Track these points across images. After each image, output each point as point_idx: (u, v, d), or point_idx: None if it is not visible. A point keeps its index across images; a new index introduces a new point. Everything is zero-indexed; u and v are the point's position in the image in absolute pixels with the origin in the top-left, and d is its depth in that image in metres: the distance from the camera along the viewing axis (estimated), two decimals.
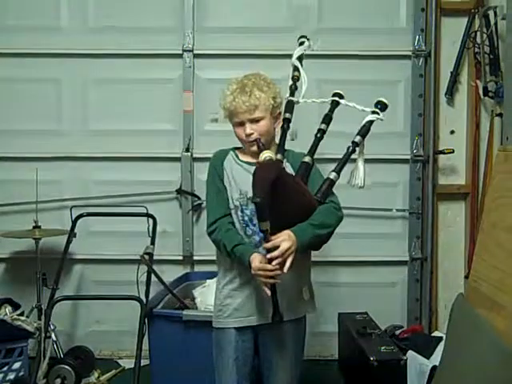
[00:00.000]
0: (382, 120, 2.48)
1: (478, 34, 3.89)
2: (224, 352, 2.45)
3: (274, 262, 2.21)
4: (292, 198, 2.29)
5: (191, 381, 3.09)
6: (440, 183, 4.07)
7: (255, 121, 2.39)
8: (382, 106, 2.49)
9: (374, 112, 2.48)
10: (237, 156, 2.48)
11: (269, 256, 2.22)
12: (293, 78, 2.65)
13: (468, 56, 4.01)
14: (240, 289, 2.42)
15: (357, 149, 2.47)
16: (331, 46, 3.97)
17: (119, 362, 3.97)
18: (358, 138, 2.46)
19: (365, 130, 2.47)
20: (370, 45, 4.00)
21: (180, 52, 4.04)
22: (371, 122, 2.47)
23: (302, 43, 2.82)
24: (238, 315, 2.43)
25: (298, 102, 2.57)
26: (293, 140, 2.60)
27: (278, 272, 2.22)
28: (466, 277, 3.70)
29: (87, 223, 3.83)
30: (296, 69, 2.67)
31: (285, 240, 2.22)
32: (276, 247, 2.21)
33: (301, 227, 2.29)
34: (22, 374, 3.49)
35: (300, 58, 2.69)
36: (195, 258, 4.11)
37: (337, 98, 2.56)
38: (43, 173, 3.88)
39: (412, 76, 4.06)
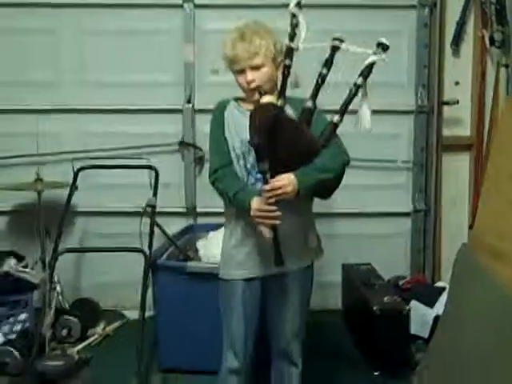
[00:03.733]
0: (383, 61, 2.42)
1: None
2: (231, 303, 2.46)
3: (269, 201, 2.20)
4: (293, 140, 2.26)
5: (196, 331, 3.12)
6: (444, 135, 4.04)
7: (256, 68, 2.35)
8: (383, 47, 2.43)
9: (375, 53, 2.43)
10: (238, 105, 2.46)
11: (266, 195, 2.20)
12: (291, 25, 2.58)
13: (474, 5, 3.93)
14: (247, 240, 2.41)
15: (360, 91, 2.42)
16: None
17: (124, 313, 3.99)
18: (359, 80, 2.40)
19: (367, 72, 2.41)
20: None
21: (180, 2, 3.97)
22: (372, 63, 2.42)
23: None
24: (245, 266, 2.42)
25: (297, 49, 2.51)
26: (297, 87, 2.55)
27: (277, 213, 2.21)
28: (470, 227, 3.70)
29: (89, 176, 3.79)
30: (294, 15, 2.60)
31: (283, 182, 2.21)
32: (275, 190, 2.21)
33: (302, 171, 2.27)
34: (27, 325, 3.51)
35: (299, 4, 2.61)
36: (198, 210, 4.11)
37: (337, 43, 2.51)
38: (43, 125, 3.86)
39: (417, 26, 4.00)
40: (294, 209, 2.32)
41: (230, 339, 2.50)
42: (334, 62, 2.45)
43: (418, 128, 4.05)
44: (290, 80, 2.48)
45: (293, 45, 2.50)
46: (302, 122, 2.36)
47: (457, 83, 4.02)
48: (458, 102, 3.92)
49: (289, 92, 2.46)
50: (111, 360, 3.27)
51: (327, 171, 2.31)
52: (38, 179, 3.72)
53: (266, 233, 2.25)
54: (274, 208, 2.21)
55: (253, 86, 2.35)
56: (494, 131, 3.57)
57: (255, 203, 2.26)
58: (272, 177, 2.21)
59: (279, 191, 2.21)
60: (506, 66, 3.68)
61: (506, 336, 2.27)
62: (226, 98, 2.51)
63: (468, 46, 3.99)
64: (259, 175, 2.32)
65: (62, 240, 3.55)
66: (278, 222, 2.23)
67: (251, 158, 2.36)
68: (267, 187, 2.20)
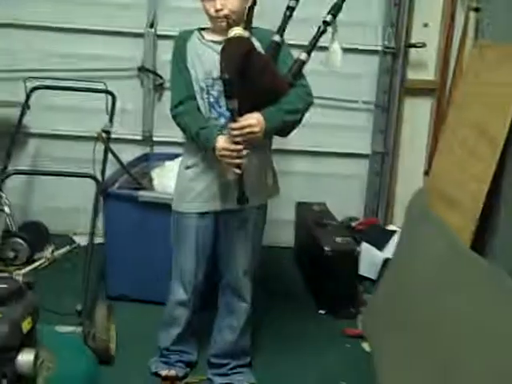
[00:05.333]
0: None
1: None
2: (184, 236, 2.45)
3: (235, 139, 2.17)
4: (262, 77, 2.22)
5: (145, 261, 3.09)
6: (409, 77, 3.99)
7: None
8: None
9: None
10: (202, 36, 2.37)
11: (233, 134, 2.16)
12: None
13: None
14: (204, 173, 2.38)
15: (328, 29, 2.36)
16: None
17: (74, 238, 3.94)
18: (329, 17, 2.36)
19: (336, 9, 2.36)
20: None
21: None
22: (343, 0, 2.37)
23: None
24: (200, 200, 2.40)
25: None
26: None
27: (243, 152, 2.18)
28: (426, 173, 3.71)
29: (43, 97, 3.64)
30: None
31: (252, 121, 2.18)
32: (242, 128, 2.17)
33: (270, 111, 2.24)
34: None
35: None
36: (155, 138, 4.03)
37: None
38: None
39: None
40: (255, 146, 2.28)
41: (179, 271, 2.51)
42: None
43: (382, 69, 3.99)
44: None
45: None
46: (270, 58, 2.30)
47: (425, 25, 3.94)
48: (425, 45, 3.86)
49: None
50: (57, 285, 3.22)
51: (293, 112, 2.30)
52: None
53: (231, 171, 2.22)
54: (240, 147, 2.18)
55: (222, 14, 2.26)
56: (458, 77, 3.54)
57: (221, 142, 2.22)
58: (239, 115, 2.16)
59: (247, 130, 2.17)
60: (476, 10, 3.61)
61: (452, 280, 2.32)
62: (189, 28, 2.42)
63: None
64: (222, 109, 2.30)
65: (13, 162, 3.46)
66: (243, 161, 2.20)
67: (215, 92, 2.31)
68: (235, 126, 2.16)
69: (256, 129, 2.19)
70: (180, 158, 2.59)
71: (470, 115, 2.84)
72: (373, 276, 3.41)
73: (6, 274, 3.09)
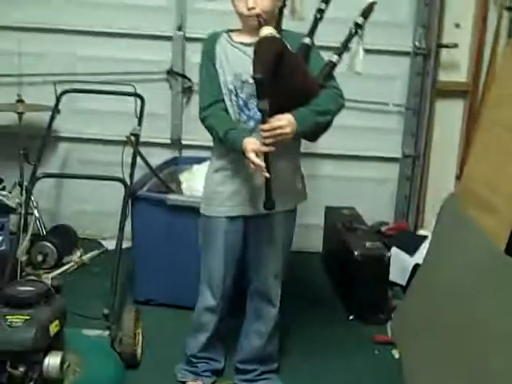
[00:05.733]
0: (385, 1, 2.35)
1: None
2: (213, 240, 2.43)
3: (266, 141, 2.13)
4: (294, 78, 2.19)
5: (173, 265, 3.08)
6: (440, 79, 3.93)
7: None
8: None
9: None
10: (230, 37, 2.35)
11: (264, 135, 2.13)
12: None
13: None
14: (233, 176, 2.36)
15: (359, 31, 2.33)
16: None
17: (102, 242, 3.96)
18: (360, 20, 2.34)
19: (368, 12, 2.33)
20: None
21: None
22: (374, 2, 2.34)
23: None
24: (229, 204, 2.38)
25: None
26: (300, 19, 2.45)
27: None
28: (458, 178, 3.65)
29: (72, 100, 3.69)
30: None
31: (283, 122, 2.14)
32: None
33: (302, 112, 2.21)
34: (3, 248, 3.45)
35: None
36: (184, 142, 4.03)
37: None
38: (26, 44, 3.72)
39: None
40: (285, 150, 2.26)
41: (207, 276, 2.49)
42: None
43: (413, 71, 3.94)
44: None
45: None
46: (301, 58, 2.29)
47: (457, 25, 3.88)
48: (457, 46, 3.80)
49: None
50: (85, 289, 3.24)
51: (325, 114, 2.26)
52: (20, 101, 3.61)
53: (259, 174, 2.19)
54: (272, 149, 2.14)
55: (254, 12, 2.24)
56: (491, 78, 3.47)
57: (251, 144, 2.18)
58: (270, 117, 2.13)
59: (278, 131, 2.14)
60: (509, 9, 3.55)
61: (485, 285, 2.26)
62: (217, 30, 2.41)
63: None
64: (251, 112, 2.28)
65: (42, 165, 3.47)
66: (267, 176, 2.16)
67: (243, 94, 2.29)
68: (266, 127, 2.13)
69: (287, 130, 2.15)
70: (208, 162, 2.58)
71: (504, 116, 2.78)
72: (403, 282, 3.36)
73: (34, 278, 3.14)
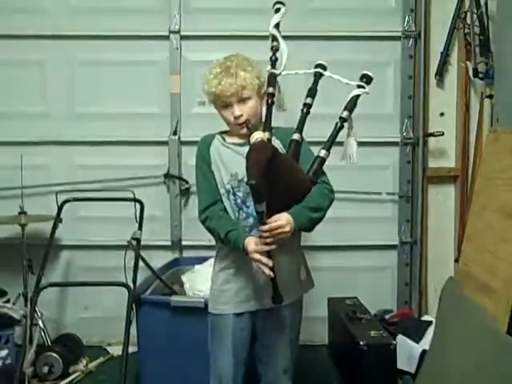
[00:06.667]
0: (367, 94, 2.42)
1: (468, 14, 3.83)
2: (222, 338, 2.44)
3: (267, 241, 2.18)
4: (286, 178, 2.25)
5: (180, 367, 3.06)
6: (430, 166, 4.03)
7: (243, 102, 2.34)
8: (367, 80, 2.43)
9: (359, 86, 2.43)
10: (223, 139, 2.44)
11: (264, 236, 2.18)
12: (272, 49, 2.56)
13: (458, 37, 3.95)
14: (238, 274, 2.40)
15: (345, 124, 2.41)
16: (320, 27, 3.93)
17: (108, 349, 3.94)
18: (345, 113, 2.39)
19: (351, 105, 2.40)
20: (359, 25, 3.95)
21: (167, 34, 3.98)
22: (357, 96, 2.42)
23: (277, 10, 2.60)
24: (236, 300, 2.41)
25: (279, 74, 2.50)
26: (284, 110, 2.52)
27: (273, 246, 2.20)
28: (456, 260, 3.68)
29: (74, 209, 3.78)
30: (274, 38, 2.56)
31: (282, 222, 2.20)
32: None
33: (298, 210, 2.26)
34: (8, 361, 3.44)
35: (277, 26, 2.59)
36: (184, 243, 4.07)
37: (320, 70, 2.50)
38: (28, 158, 3.81)
39: (402, 57, 4.01)
40: (287, 245, 2.31)
41: (218, 375, 2.47)
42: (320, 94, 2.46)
43: (403, 160, 4.05)
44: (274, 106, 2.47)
45: (275, 71, 2.50)
46: (292, 157, 2.35)
47: (441, 114, 4.02)
48: (443, 134, 3.92)
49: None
50: None
51: (319, 210, 2.32)
52: (22, 212, 3.68)
53: (266, 271, 2.22)
54: (272, 247, 2.20)
55: (241, 120, 2.34)
56: (478, 163, 3.58)
57: (252, 244, 2.24)
58: (267, 215, 2.19)
59: (278, 231, 2.19)
60: (490, 97, 3.69)
61: (491, 370, 2.26)
62: (211, 133, 2.50)
63: (452, 78, 4.00)
64: (250, 209, 2.34)
65: (46, 274, 3.52)
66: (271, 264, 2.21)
67: (241, 193, 2.36)
68: (265, 228, 2.18)
69: (287, 228, 2.20)
70: (209, 261, 2.63)
71: (494, 200, 2.86)
72: (412, 369, 3.32)
73: None
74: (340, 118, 2.41)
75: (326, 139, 2.41)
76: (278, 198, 2.22)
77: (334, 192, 2.40)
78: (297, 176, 2.31)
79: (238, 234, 2.30)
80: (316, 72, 2.50)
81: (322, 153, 2.36)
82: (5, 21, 3.96)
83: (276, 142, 2.39)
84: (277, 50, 2.53)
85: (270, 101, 2.45)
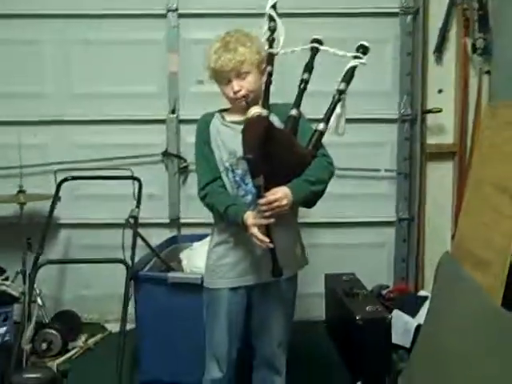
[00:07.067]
0: (364, 64, 2.41)
1: None
2: (217, 312, 2.46)
3: (265, 214, 2.19)
4: (284, 152, 2.26)
5: (178, 343, 3.08)
6: (428, 142, 4.02)
7: (242, 77, 2.35)
8: (363, 50, 2.42)
9: (355, 57, 2.41)
10: (222, 117, 2.45)
11: (262, 209, 2.19)
12: (269, 29, 2.56)
13: (457, 13, 3.92)
14: (234, 249, 2.41)
15: (343, 96, 2.40)
16: (317, 4, 3.92)
17: (106, 325, 3.96)
18: (342, 85, 2.38)
19: (348, 77, 2.40)
20: (356, 2, 3.93)
21: (164, 12, 3.96)
22: (354, 67, 2.41)
23: None
24: (231, 275, 2.42)
25: (277, 53, 2.51)
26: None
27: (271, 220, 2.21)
28: (453, 236, 3.69)
29: (72, 187, 3.78)
30: (272, 19, 2.57)
31: (279, 195, 2.20)
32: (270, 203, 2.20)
33: (296, 183, 2.27)
34: (7, 339, 3.47)
35: (274, 7, 2.59)
36: (182, 221, 4.09)
37: (316, 45, 2.49)
38: (26, 137, 3.85)
39: (400, 34, 3.99)
40: (283, 219, 2.31)
41: (213, 349, 2.50)
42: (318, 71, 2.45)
43: (401, 136, 4.04)
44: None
45: (272, 50, 2.50)
46: (290, 132, 2.36)
47: (440, 91, 4.00)
48: (441, 111, 3.91)
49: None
50: (91, 373, 3.24)
51: (318, 183, 2.32)
52: (21, 191, 3.69)
53: (266, 244, 2.23)
54: (271, 221, 2.21)
55: (240, 94, 2.35)
56: (476, 139, 3.57)
57: (251, 218, 2.25)
58: (266, 190, 2.19)
59: (275, 204, 2.20)
60: (489, 73, 3.68)
61: (487, 343, 2.27)
62: (209, 111, 2.51)
63: (451, 54, 3.98)
64: (249, 187, 2.34)
65: (45, 252, 3.52)
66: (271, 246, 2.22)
67: (239, 171, 2.37)
68: (263, 201, 2.19)
69: (284, 202, 2.20)
70: (207, 239, 2.63)
71: (490, 174, 2.86)
72: (407, 344, 3.33)
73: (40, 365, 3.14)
74: (337, 90, 2.41)
75: (322, 116, 2.40)
76: (277, 173, 2.22)
77: (334, 165, 2.39)
78: (295, 150, 2.31)
79: (237, 208, 2.31)
80: (312, 47, 2.50)
81: (321, 126, 2.37)
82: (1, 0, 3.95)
83: (274, 119, 2.39)
84: (274, 29, 2.54)
85: (267, 79, 2.46)
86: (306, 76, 2.47)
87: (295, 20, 2.89)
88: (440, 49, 3.95)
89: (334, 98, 2.42)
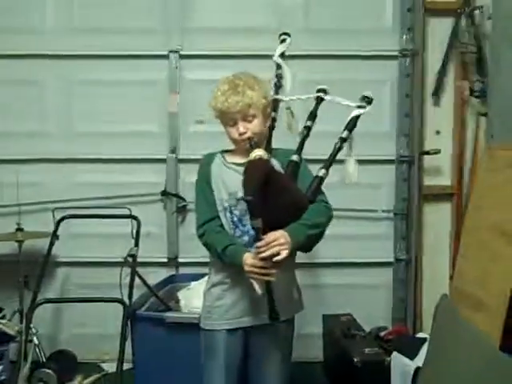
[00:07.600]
0: (368, 113, 2.44)
1: (465, 33, 3.87)
2: (214, 354, 2.44)
3: (262, 255, 2.18)
4: (283, 196, 2.26)
5: (175, 383, 3.05)
6: (425, 184, 4.05)
7: (248, 119, 2.38)
8: (367, 100, 2.45)
9: (359, 107, 2.45)
10: (224, 158, 2.48)
11: (260, 251, 2.19)
12: (276, 76, 2.63)
13: (455, 56, 3.99)
14: (231, 290, 2.41)
15: (344, 144, 2.42)
16: (317, 47, 3.98)
17: (103, 365, 3.93)
18: (345, 133, 2.40)
19: (351, 125, 2.42)
20: (356, 45, 3.99)
21: (166, 53, 4.02)
22: (357, 116, 2.43)
23: (283, 40, 2.75)
24: (228, 317, 2.41)
25: (282, 100, 2.55)
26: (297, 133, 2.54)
27: (273, 271, 2.20)
28: (451, 278, 3.69)
29: (70, 225, 3.78)
30: (279, 66, 2.64)
31: (278, 236, 2.19)
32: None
33: (294, 227, 2.26)
34: (3, 378, 3.45)
35: (282, 55, 2.66)
36: (180, 260, 4.09)
37: (321, 94, 2.53)
38: (26, 175, 3.87)
39: (399, 76, 4.05)
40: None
41: None
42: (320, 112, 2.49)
43: (399, 177, 4.07)
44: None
45: (278, 96, 2.55)
46: (290, 177, 2.37)
47: (438, 132, 4.05)
48: (439, 152, 3.94)
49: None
50: None
51: (316, 227, 2.32)
52: (19, 229, 3.70)
53: (259, 288, 2.23)
54: (268, 264, 2.20)
55: (245, 136, 2.37)
56: (473, 180, 3.59)
57: (249, 259, 2.24)
58: (264, 233, 2.19)
59: (274, 243, 2.18)
60: (486, 115, 3.72)
61: None
62: (212, 151, 2.53)
63: (449, 96, 4.03)
64: (246, 228, 2.36)
65: (43, 291, 3.52)
66: (272, 278, 2.21)
67: (237, 211, 2.38)
68: (262, 243, 2.19)
69: (282, 240, 2.19)
70: (205, 278, 2.62)
71: (487, 217, 2.87)
72: None
73: None
74: (340, 138, 2.42)
75: (324, 157, 2.41)
76: (275, 216, 2.22)
77: (332, 210, 2.40)
78: (294, 194, 2.31)
79: (235, 248, 2.32)
80: (317, 96, 2.54)
81: (321, 172, 2.37)
82: (5, 40, 4.00)
83: (275, 162, 2.41)
84: (281, 77, 2.60)
85: (271, 124, 2.50)
86: (309, 123, 2.49)
87: (295, 62, 2.93)
88: (438, 91, 4.00)
89: (335, 145, 2.43)
